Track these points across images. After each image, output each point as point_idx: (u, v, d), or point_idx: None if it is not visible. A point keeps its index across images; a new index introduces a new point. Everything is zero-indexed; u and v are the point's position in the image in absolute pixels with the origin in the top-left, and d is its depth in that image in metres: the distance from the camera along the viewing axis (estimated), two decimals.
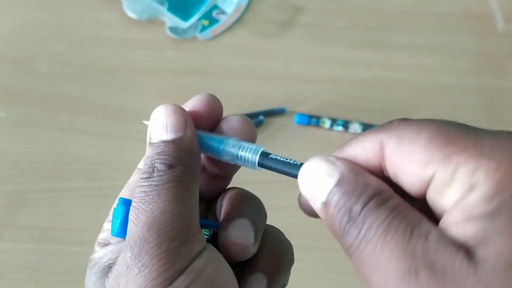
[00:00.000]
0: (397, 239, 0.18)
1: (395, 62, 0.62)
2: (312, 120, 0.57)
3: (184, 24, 0.63)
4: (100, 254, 0.24)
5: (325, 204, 0.20)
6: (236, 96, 0.59)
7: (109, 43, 0.62)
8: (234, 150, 0.25)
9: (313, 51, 0.62)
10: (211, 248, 0.23)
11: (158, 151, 0.23)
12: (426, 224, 0.18)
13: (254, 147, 0.25)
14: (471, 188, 0.18)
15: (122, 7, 0.63)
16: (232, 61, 0.61)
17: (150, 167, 0.23)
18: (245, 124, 0.26)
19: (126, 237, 0.22)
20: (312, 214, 0.24)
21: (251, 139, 0.26)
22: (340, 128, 0.57)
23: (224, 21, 0.63)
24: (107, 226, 0.25)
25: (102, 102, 0.58)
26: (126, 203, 0.24)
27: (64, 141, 0.56)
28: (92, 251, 0.25)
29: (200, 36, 0.62)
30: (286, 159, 0.25)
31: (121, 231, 0.23)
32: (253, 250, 0.25)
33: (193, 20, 0.63)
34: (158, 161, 0.23)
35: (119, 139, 0.56)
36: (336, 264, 0.51)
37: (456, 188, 0.18)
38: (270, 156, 0.25)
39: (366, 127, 0.56)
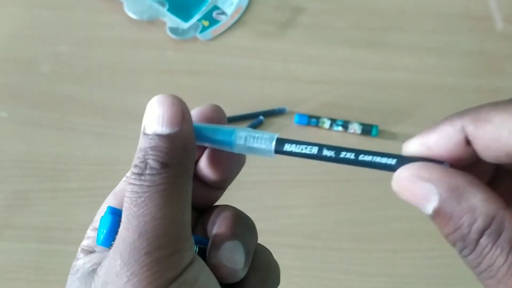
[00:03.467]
0: None
1: (394, 63, 0.62)
2: (312, 120, 0.57)
3: (185, 25, 0.63)
4: (84, 261, 0.24)
5: (433, 218, 0.20)
6: (236, 96, 0.59)
7: (109, 44, 0.62)
8: (248, 139, 0.24)
9: (313, 51, 0.62)
10: (199, 259, 0.22)
11: (151, 145, 0.22)
12: None
13: (269, 134, 0.24)
14: None
15: (123, 8, 0.63)
16: (232, 62, 0.61)
17: (142, 162, 0.22)
18: (216, 110, 0.26)
19: (116, 241, 0.21)
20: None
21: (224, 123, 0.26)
22: (340, 128, 0.57)
23: (224, 21, 0.63)
24: (91, 233, 0.25)
25: (102, 102, 0.58)
26: (115, 213, 0.23)
27: (65, 141, 0.56)
28: None
29: (200, 36, 0.62)
30: (303, 144, 0.23)
31: (107, 240, 0.23)
32: (242, 274, 0.24)
33: (193, 20, 0.63)
34: (152, 157, 0.22)
35: (119, 139, 0.56)
36: (336, 264, 0.51)
37: None
38: (286, 142, 0.24)
39: (366, 127, 0.56)
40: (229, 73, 0.60)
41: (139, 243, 0.20)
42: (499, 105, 0.20)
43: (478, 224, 0.19)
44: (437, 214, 0.19)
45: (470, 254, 0.19)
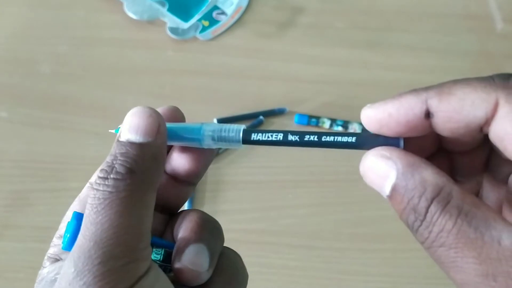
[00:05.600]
0: (470, 246, 0.19)
1: (394, 63, 0.62)
2: (312, 120, 0.57)
3: (185, 25, 0.63)
4: (49, 270, 0.23)
5: (390, 198, 0.21)
6: (236, 96, 0.59)
7: (110, 44, 0.62)
8: (216, 132, 0.24)
9: (313, 52, 0.62)
10: (156, 267, 0.22)
11: (122, 150, 0.22)
12: (495, 226, 0.19)
13: (235, 126, 0.24)
14: None
15: (123, 8, 0.63)
16: (232, 62, 0.61)
17: (109, 166, 0.22)
18: (175, 111, 0.26)
19: (73, 248, 0.21)
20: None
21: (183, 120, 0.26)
22: (340, 128, 0.57)
23: (224, 21, 0.63)
24: (57, 241, 0.25)
25: (102, 102, 0.58)
26: (79, 218, 0.23)
27: (65, 141, 0.56)
28: None
29: (200, 36, 0.62)
30: (269, 132, 0.24)
31: (71, 245, 0.22)
32: (206, 276, 0.24)
33: (193, 20, 0.63)
34: (119, 161, 0.22)
35: None
36: (336, 264, 0.51)
37: None
38: (252, 132, 0.24)
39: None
40: (229, 73, 0.60)
41: (94, 251, 0.20)
42: (461, 81, 0.21)
43: (427, 193, 0.20)
44: (394, 190, 0.20)
45: (421, 224, 0.19)
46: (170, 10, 0.64)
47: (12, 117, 0.57)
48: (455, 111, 0.20)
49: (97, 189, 0.21)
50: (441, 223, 0.19)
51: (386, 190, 0.21)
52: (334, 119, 0.57)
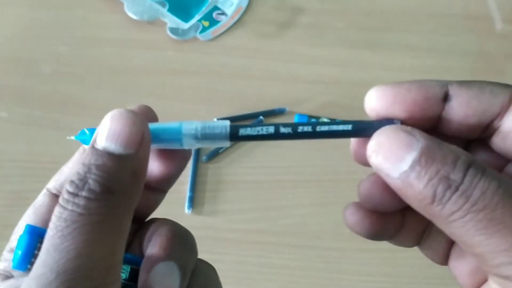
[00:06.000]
0: None
1: (394, 63, 0.62)
2: (312, 120, 0.57)
3: (185, 25, 0.63)
4: None
5: (407, 173, 0.19)
6: (236, 96, 0.59)
7: (110, 44, 0.62)
8: (199, 130, 0.22)
9: (313, 52, 0.62)
10: None
11: (98, 162, 0.19)
12: None
13: (220, 122, 0.22)
14: None
15: (123, 8, 0.63)
16: (232, 62, 0.61)
17: (81, 180, 0.18)
18: (148, 111, 0.23)
19: (30, 274, 0.18)
20: (375, 207, 0.23)
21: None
22: None
23: (224, 22, 0.64)
24: (8, 255, 0.22)
25: (103, 102, 0.58)
26: (33, 232, 0.20)
27: (65, 141, 0.56)
28: None
29: (200, 37, 0.62)
30: (258, 126, 0.22)
31: (22, 263, 0.20)
32: None
33: (193, 21, 0.63)
34: (94, 176, 0.18)
35: None
36: (336, 264, 0.51)
37: None
38: (240, 127, 0.22)
39: None
40: (229, 73, 0.60)
41: (55, 285, 0.17)
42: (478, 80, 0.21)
43: (463, 158, 0.19)
44: (417, 162, 0.19)
45: (456, 190, 0.18)
46: (170, 10, 0.64)
47: (12, 117, 0.57)
48: (474, 96, 0.21)
49: (64, 207, 0.18)
50: (484, 185, 0.18)
51: (405, 164, 0.19)
52: (334, 119, 0.57)
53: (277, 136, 0.22)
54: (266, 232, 0.52)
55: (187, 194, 0.53)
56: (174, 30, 0.62)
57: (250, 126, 0.22)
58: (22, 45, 0.62)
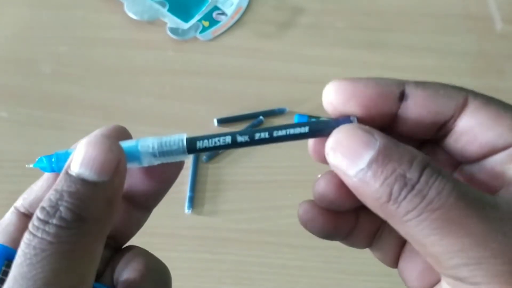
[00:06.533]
0: (473, 206, 0.18)
1: (394, 63, 0.62)
2: (312, 120, 0.57)
3: (185, 25, 0.63)
4: None
5: (364, 171, 0.19)
6: (236, 96, 0.59)
7: (110, 44, 0.62)
8: (154, 147, 0.21)
9: (313, 52, 0.62)
10: None
11: (71, 189, 0.18)
12: (488, 196, 0.19)
13: (176, 136, 0.22)
14: None
15: (123, 8, 0.63)
16: (232, 62, 0.61)
17: (52, 207, 0.18)
18: (120, 131, 0.23)
19: None
20: (329, 206, 0.23)
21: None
22: None
23: (224, 22, 0.64)
24: None
25: (103, 102, 0.58)
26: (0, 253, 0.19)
27: (65, 141, 0.56)
28: None
29: (200, 37, 0.62)
30: (215, 137, 0.22)
31: None
32: None
33: (193, 21, 0.63)
34: (66, 203, 0.18)
35: None
36: (336, 264, 0.51)
37: None
38: (197, 139, 0.22)
39: None
40: (229, 73, 0.60)
41: None
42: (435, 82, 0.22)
43: (419, 158, 0.19)
44: (375, 161, 0.19)
45: (412, 189, 0.18)
46: (170, 10, 0.64)
47: (12, 117, 0.57)
48: (430, 97, 0.21)
49: (34, 235, 0.17)
50: (439, 186, 0.18)
51: (362, 162, 0.19)
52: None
53: (234, 145, 0.22)
54: (266, 232, 0.52)
55: (187, 194, 0.53)
56: (174, 30, 0.62)
57: (208, 137, 0.22)
58: (22, 45, 0.62)
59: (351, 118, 0.21)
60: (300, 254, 0.52)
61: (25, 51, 0.61)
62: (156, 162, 0.22)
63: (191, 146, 0.21)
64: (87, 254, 0.18)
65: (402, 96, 0.21)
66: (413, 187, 0.18)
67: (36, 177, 0.23)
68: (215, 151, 0.22)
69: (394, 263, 0.25)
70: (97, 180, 0.19)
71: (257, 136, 0.22)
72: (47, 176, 0.24)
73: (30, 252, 0.17)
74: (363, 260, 0.52)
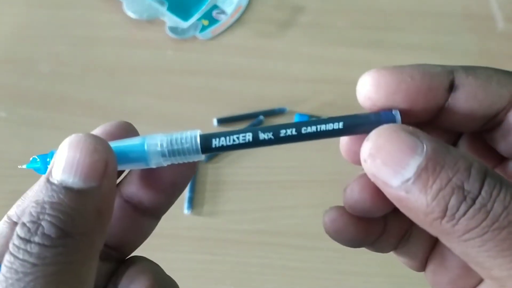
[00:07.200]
0: None
1: (395, 62, 0.61)
2: (312, 120, 0.57)
3: (184, 24, 0.63)
4: None
5: (410, 182, 0.16)
6: (236, 96, 0.59)
7: (109, 43, 0.61)
8: (163, 145, 0.19)
9: (313, 51, 0.62)
10: None
11: (53, 199, 0.16)
12: None
13: (188, 132, 0.19)
14: None
15: (122, 7, 0.63)
16: (232, 61, 0.61)
17: (33, 222, 0.15)
18: (123, 128, 0.20)
19: None
20: (361, 213, 0.20)
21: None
22: None
23: (224, 21, 0.63)
24: None
25: (102, 102, 0.58)
26: None
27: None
28: None
29: (200, 36, 0.62)
30: (233, 134, 0.19)
31: None
32: None
33: (193, 20, 0.63)
34: (49, 217, 0.15)
35: None
36: (336, 264, 0.51)
37: None
38: (212, 137, 0.19)
39: None
40: (229, 73, 0.60)
41: None
42: (482, 66, 0.19)
43: (478, 166, 0.16)
44: (424, 169, 0.16)
45: (473, 204, 0.15)
46: (170, 9, 0.64)
47: (11, 117, 0.57)
48: (482, 87, 0.18)
49: (15, 256, 0.15)
50: (505, 198, 0.15)
51: (408, 171, 0.16)
52: None
53: (256, 143, 0.19)
54: (266, 233, 0.52)
55: (187, 194, 0.52)
56: (173, 29, 0.62)
57: (225, 134, 0.19)
58: (20, 45, 0.61)
59: (394, 112, 0.19)
60: (300, 255, 0.51)
61: (23, 51, 0.61)
62: (165, 163, 0.19)
63: (206, 145, 0.19)
64: (77, 275, 0.15)
65: (451, 86, 0.19)
66: (474, 201, 0.15)
67: (36, 178, 0.22)
68: (231, 151, 0.19)
69: (421, 267, 0.23)
70: (83, 187, 0.16)
71: (282, 132, 0.19)
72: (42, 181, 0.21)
73: (12, 276, 0.15)
74: (364, 261, 0.51)
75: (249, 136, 0.18)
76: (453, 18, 0.65)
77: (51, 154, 0.20)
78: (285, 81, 0.60)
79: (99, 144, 0.17)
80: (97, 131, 0.20)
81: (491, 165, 0.21)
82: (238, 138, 0.18)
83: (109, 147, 0.17)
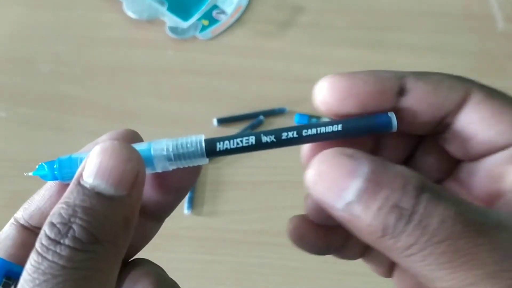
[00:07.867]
0: (481, 233, 0.16)
1: (395, 62, 0.61)
2: (312, 120, 0.57)
3: (184, 24, 0.63)
4: None
5: (352, 204, 0.16)
6: (236, 96, 0.59)
7: (109, 43, 0.61)
8: (169, 149, 0.19)
9: (313, 51, 0.62)
10: None
11: (85, 204, 0.16)
12: (491, 213, 0.17)
13: (193, 137, 0.20)
14: None
15: (122, 7, 0.63)
16: (232, 61, 0.61)
17: (64, 224, 0.16)
18: (129, 136, 0.20)
19: None
20: (323, 221, 0.21)
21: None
22: None
23: (224, 21, 0.63)
24: None
25: (102, 102, 0.58)
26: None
27: (64, 141, 0.56)
28: None
29: (200, 36, 0.62)
30: (236, 137, 0.20)
31: None
32: None
33: (193, 20, 0.63)
34: (80, 221, 0.16)
35: None
36: (336, 264, 0.51)
37: None
38: (217, 141, 0.20)
39: None
40: (229, 73, 0.60)
41: None
42: (435, 72, 0.20)
43: (413, 183, 0.16)
44: (363, 191, 0.16)
45: (408, 221, 0.16)
46: (170, 9, 0.64)
47: (11, 117, 0.57)
48: (431, 91, 0.19)
49: (43, 256, 0.15)
50: (442, 212, 0.16)
51: (349, 194, 0.16)
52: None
53: (259, 146, 0.20)
54: (266, 233, 0.52)
55: (187, 194, 0.52)
56: (173, 29, 0.62)
57: (228, 138, 0.20)
58: (20, 45, 0.61)
59: (389, 114, 0.20)
60: (300, 255, 0.51)
61: (24, 51, 0.61)
62: (171, 167, 0.20)
63: (210, 149, 0.19)
64: (104, 281, 0.16)
65: (401, 91, 0.19)
66: (410, 218, 0.16)
67: (36, 178, 0.22)
68: (235, 154, 0.20)
69: (388, 274, 0.24)
70: (114, 195, 0.16)
71: (284, 135, 0.20)
72: (49, 184, 0.21)
73: (39, 277, 0.15)
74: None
75: (252, 140, 0.20)
76: (453, 18, 0.65)
77: (58, 161, 0.20)
78: (285, 81, 0.60)
79: (133, 154, 0.17)
80: (103, 139, 0.20)
81: (449, 167, 0.21)
82: (241, 141, 0.20)
83: (140, 158, 0.17)
